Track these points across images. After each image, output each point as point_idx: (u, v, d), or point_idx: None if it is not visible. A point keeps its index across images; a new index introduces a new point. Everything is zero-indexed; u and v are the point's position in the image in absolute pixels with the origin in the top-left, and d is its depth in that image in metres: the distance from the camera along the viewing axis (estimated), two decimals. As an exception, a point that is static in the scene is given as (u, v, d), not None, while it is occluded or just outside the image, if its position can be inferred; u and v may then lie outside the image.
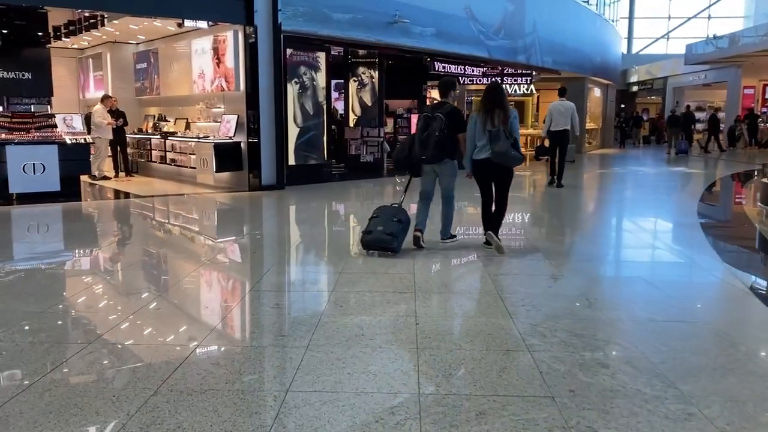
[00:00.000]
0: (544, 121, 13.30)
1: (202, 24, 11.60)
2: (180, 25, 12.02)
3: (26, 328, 3.94)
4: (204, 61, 12.37)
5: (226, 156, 11.59)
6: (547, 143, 12.74)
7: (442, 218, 6.42)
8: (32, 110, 13.10)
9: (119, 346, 3.64)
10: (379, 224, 5.96)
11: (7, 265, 5.92)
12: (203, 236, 7.76)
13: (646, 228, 8.89)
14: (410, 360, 3.40)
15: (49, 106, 14.00)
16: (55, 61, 14.85)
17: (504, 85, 19.27)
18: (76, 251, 6.83)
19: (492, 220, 6.16)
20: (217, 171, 11.53)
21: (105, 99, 12.69)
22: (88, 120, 12.19)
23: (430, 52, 15.46)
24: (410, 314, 4.24)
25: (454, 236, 6.55)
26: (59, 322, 4.14)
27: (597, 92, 27.26)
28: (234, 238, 7.65)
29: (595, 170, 18.22)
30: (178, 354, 3.46)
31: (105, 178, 12.47)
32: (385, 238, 5.87)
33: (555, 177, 12.38)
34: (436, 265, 5.73)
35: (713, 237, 7.77)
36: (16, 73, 13.41)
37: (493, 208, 6.21)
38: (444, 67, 16.45)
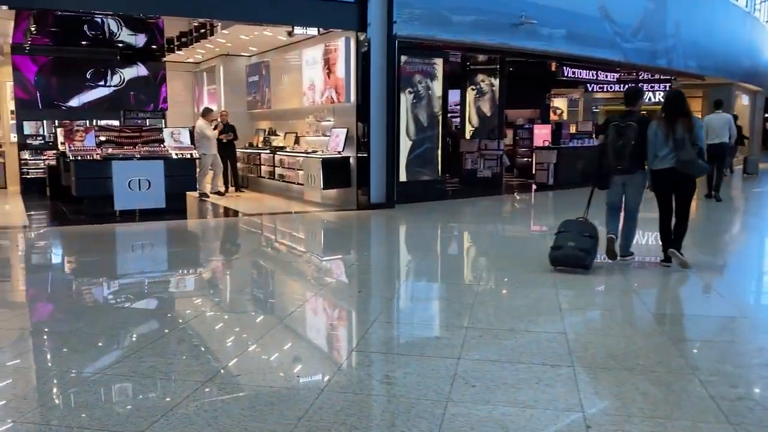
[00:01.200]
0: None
1: (313, 31, 10.90)
2: (290, 34, 11.41)
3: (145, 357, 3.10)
4: (314, 72, 11.69)
5: (334, 172, 10.76)
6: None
7: (624, 233, 6.16)
8: (147, 124, 13.10)
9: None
10: (569, 239, 5.76)
11: (118, 285, 5.29)
12: (304, 268, 6.86)
13: None
14: None
15: (163, 120, 13.98)
16: (171, 75, 14.90)
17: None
18: (178, 274, 6.14)
19: (673, 236, 5.94)
20: (324, 188, 10.73)
21: (207, 113, 12.23)
22: (192, 135, 11.81)
23: (559, 56, 13.97)
24: (573, 407, 2.99)
25: (632, 254, 6.23)
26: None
27: (745, 100, 24.22)
28: (339, 271, 6.67)
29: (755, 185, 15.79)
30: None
31: (218, 193, 12.01)
32: (578, 254, 5.69)
33: (712, 191, 11.93)
34: (603, 312, 4.42)
35: None
36: (132, 86, 13.48)
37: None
38: (574, 73, 14.88)
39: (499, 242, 7.92)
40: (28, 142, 12.59)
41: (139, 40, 12.19)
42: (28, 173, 12.56)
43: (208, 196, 11.76)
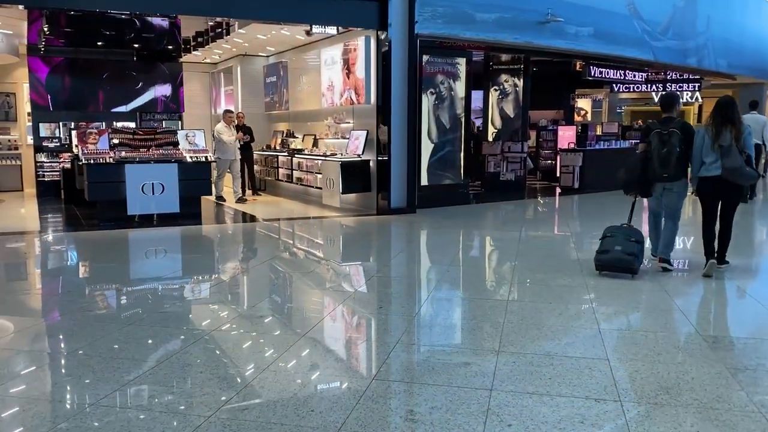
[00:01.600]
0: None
1: (332, 30, 10.56)
2: (309, 34, 11.09)
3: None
4: (333, 73, 11.37)
5: (354, 175, 10.42)
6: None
7: (665, 238, 6.06)
8: (164, 126, 12.88)
9: None
10: (616, 244, 5.74)
11: (128, 295, 5.00)
12: (322, 280, 6.52)
13: None
14: None
15: (180, 122, 13.76)
16: (188, 76, 14.68)
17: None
18: (190, 284, 5.84)
19: (715, 245, 5.81)
20: (343, 192, 10.39)
21: (226, 114, 11.83)
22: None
23: (586, 56, 13.46)
24: (628, 457, 2.60)
25: (671, 263, 6.05)
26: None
27: (776, 100, 23.39)
28: (358, 283, 6.31)
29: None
30: None
31: (241, 200, 11.51)
32: (627, 258, 5.67)
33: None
34: (647, 333, 4.01)
35: None
36: (148, 88, 13.26)
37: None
38: (601, 72, 14.35)
39: (528, 251, 7.50)
40: (44, 144, 12.43)
41: (156, 40, 11.95)
42: (43, 176, 12.39)
43: (225, 200, 11.44)
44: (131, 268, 6.93)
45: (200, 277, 6.42)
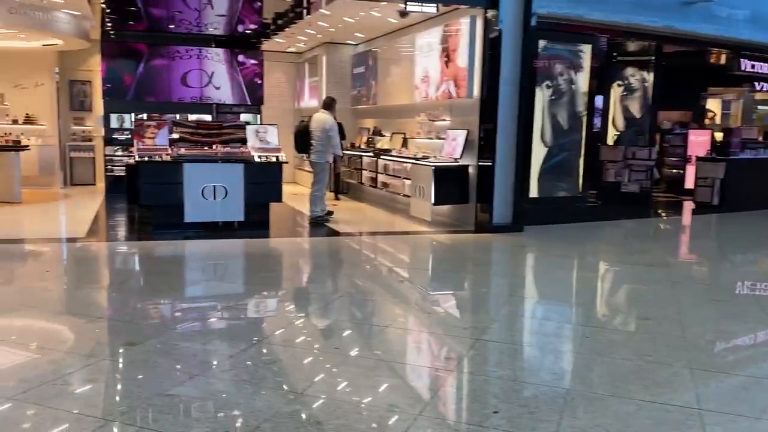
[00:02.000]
0: None
1: (431, 9, 8.85)
2: (403, 15, 9.47)
3: None
4: (429, 62, 9.71)
5: (449, 183, 8.73)
6: None
7: None
8: (240, 120, 11.69)
9: None
10: None
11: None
12: (410, 313, 4.87)
13: None
14: None
15: (258, 116, 12.57)
16: (271, 66, 13.51)
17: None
18: (254, 307, 4.38)
19: None
20: (435, 203, 8.72)
21: (331, 104, 9.19)
22: (303, 134, 9.03)
23: (737, 44, 11.05)
24: None
25: None
26: None
27: None
28: (451, 327, 4.59)
29: None
30: None
31: (329, 213, 9.17)
32: None
33: None
34: None
35: None
36: (226, 77, 12.12)
37: None
38: (753, 66, 11.85)
39: (693, 294, 5.57)
40: (114, 136, 11.55)
41: (235, 25, 10.76)
42: (112, 170, 11.52)
43: (328, 220, 9.01)
44: (169, 294, 5.56)
45: (264, 304, 4.95)
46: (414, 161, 9.41)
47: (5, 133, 11.09)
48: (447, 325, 4.76)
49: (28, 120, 11.94)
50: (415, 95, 10.24)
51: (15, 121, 11.84)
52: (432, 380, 3.60)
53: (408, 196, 9.63)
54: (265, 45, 12.56)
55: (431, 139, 10.01)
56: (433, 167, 8.68)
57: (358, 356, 3.85)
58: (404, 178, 9.82)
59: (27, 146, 10.56)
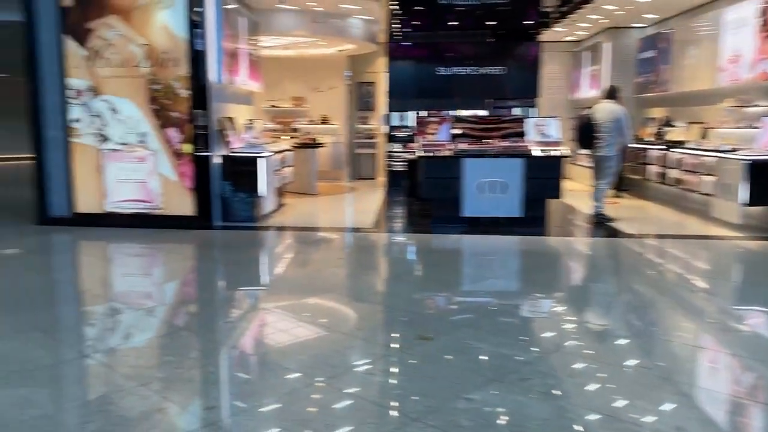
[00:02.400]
0: None
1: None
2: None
3: None
4: (740, 39, 8.30)
5: (766, 180, 7.35)
6: None
7: None
8: (512, 113, 11.47)
9: None
10: None
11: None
12: (713, 350, 4.09)
13: None
14: None
15: (534, 110, 12.17)
16: (546, 57, 12.96)
17: None
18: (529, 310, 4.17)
19: None
20: (747, 204, 7.40)
21: (615, 92, 8.46)
22: (588, 127, 8.17)
23: None
24: None
25: None
26: None
27: None
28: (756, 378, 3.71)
29: None
30: None
31: (608, 220, 8.19)
32: None
33: None
34: None
35: None
36: (502, 71, 11.95)
37: None
38: None
39: None
40: (394, 134, 12.19)
41: (514, 18, 10.53)
42: (391, 165, 12.18)
43: (611, 220, 8.19)
44: (441, 287, 5.52)
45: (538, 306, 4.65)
46: (718, 154, 8.13)
47: (306, 133, 12.44)
48: (755, 347, 3.87)
49: (324, 120, 13.27)
50: (719, 78, 8.87)
51: (313, 122, 13.25)
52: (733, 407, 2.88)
53: (708, 195, 8.37)
54: (543, 35, 12.09)
55: (740, 128, 8.57)
56: (746, 161, 7.36)
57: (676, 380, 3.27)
58: (704, 174, 8.56)
59: (323, 144, 11.70)
